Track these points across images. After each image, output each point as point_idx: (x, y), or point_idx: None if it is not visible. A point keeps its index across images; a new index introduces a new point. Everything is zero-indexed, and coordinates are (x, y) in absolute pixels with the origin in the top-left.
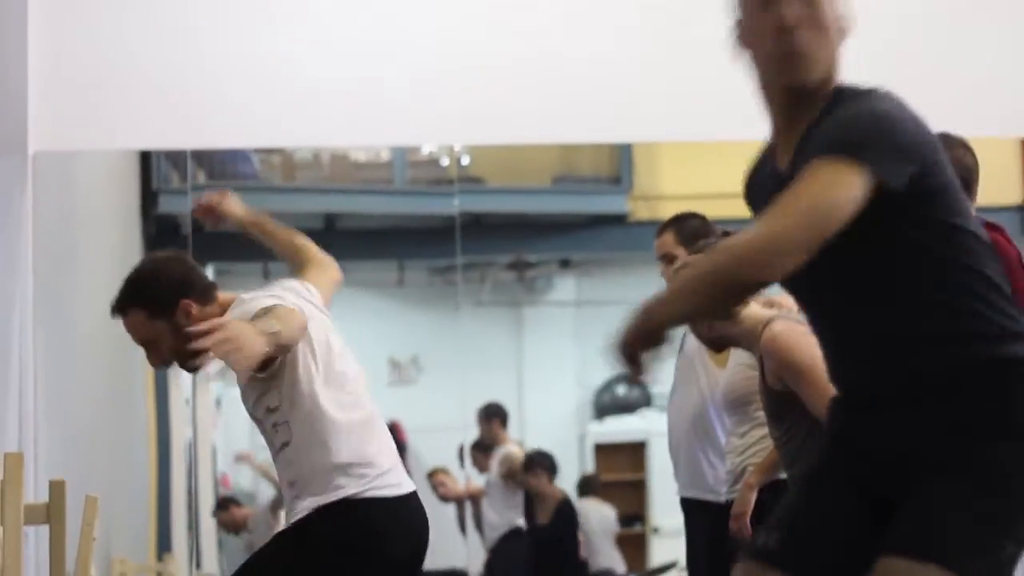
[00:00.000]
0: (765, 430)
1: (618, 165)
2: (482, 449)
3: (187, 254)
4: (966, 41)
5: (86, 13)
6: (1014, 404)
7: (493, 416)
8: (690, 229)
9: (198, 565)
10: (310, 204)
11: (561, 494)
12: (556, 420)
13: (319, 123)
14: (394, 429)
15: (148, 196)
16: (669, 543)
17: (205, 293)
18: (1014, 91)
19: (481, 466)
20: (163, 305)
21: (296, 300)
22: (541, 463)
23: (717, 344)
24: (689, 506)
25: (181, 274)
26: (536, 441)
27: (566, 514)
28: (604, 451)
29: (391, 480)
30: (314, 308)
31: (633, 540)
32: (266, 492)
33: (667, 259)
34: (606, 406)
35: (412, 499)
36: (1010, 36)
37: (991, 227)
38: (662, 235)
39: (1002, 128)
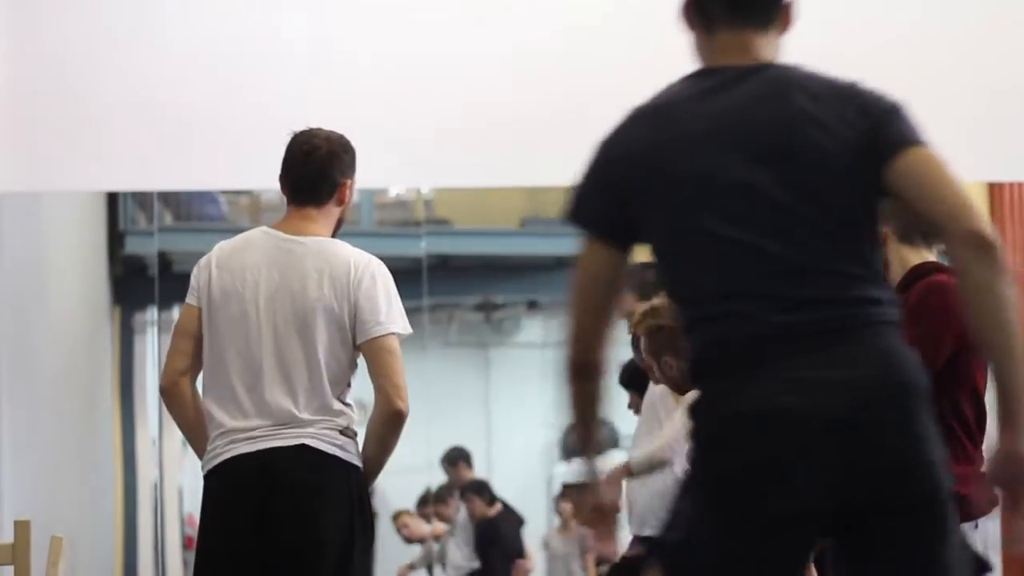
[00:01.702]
0: None
1: None
2: (443, 500)
3: None
4: (933, 86)
5: (52, 53)
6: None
7: (457, 459)
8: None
9: None
10: None
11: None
12: (523, 461)
13: None
14: None
15: (115, 237)
16: None
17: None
18: (981, 136)
19: (443, 516)
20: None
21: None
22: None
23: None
24: (647, 543)
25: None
26: (503, 482)
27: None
28: (571, 490)
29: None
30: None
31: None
32: None
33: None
34: (572, 447)
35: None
36: (977, 82)
37: (948, 270)
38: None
39: (970, 173)
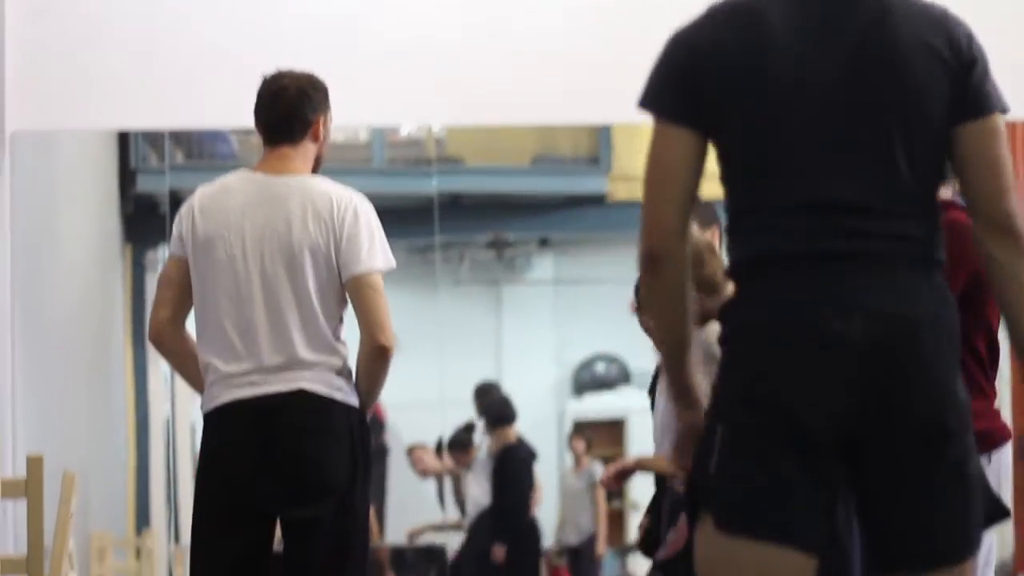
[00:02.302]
0: None
1: (597, 145)
2: (462, 447)
3: None
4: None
5: None
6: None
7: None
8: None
9: (177, 540)
10: None
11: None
12: (535, 398)
13: None
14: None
15: (126, 176)
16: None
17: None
18: (998, 74)
19: (461, 462)
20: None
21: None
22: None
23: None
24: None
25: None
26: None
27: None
28: (582, 428)
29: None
30: None
31: (612, 516)
32: None
33: None
34: (585, 383)
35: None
36: (988, 18)
37: (962, 208)
38: None
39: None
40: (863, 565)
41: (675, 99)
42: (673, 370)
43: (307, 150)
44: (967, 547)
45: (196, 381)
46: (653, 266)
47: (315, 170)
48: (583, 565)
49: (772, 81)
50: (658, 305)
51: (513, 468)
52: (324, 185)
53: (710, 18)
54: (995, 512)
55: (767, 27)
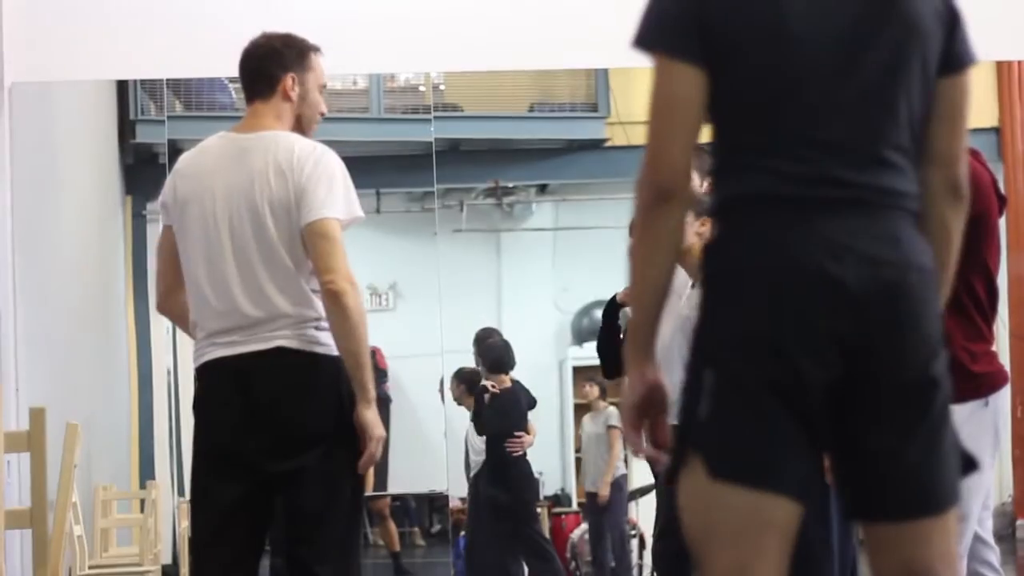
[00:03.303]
0: None
1: (595, 91)
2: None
3: None
4: None
5: None
6: None
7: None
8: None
9: (181, 492)
10: None
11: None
12: (535, 345)
13: None
14: (373, 355)
15: (125, 126)
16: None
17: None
18: (989, 14)
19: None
20: None
21: None
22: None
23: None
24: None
25: None
26: (516, 365)
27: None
28: (583, 373)
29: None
30: None
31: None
32: None
33: None
34: (584, 330)
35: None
36: None
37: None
38: None
39: (978, 50)
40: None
41: (680, 36)
42: (646, 323)
43: (279, 108)
44: (951, 496)
45: None
46: (660, 204)
47: (301, 130)
48: (610, 508)
49: (782, 24)
50: (653, 246)
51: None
52: (289, 139)
53: None
54: (966, 464)
55: None
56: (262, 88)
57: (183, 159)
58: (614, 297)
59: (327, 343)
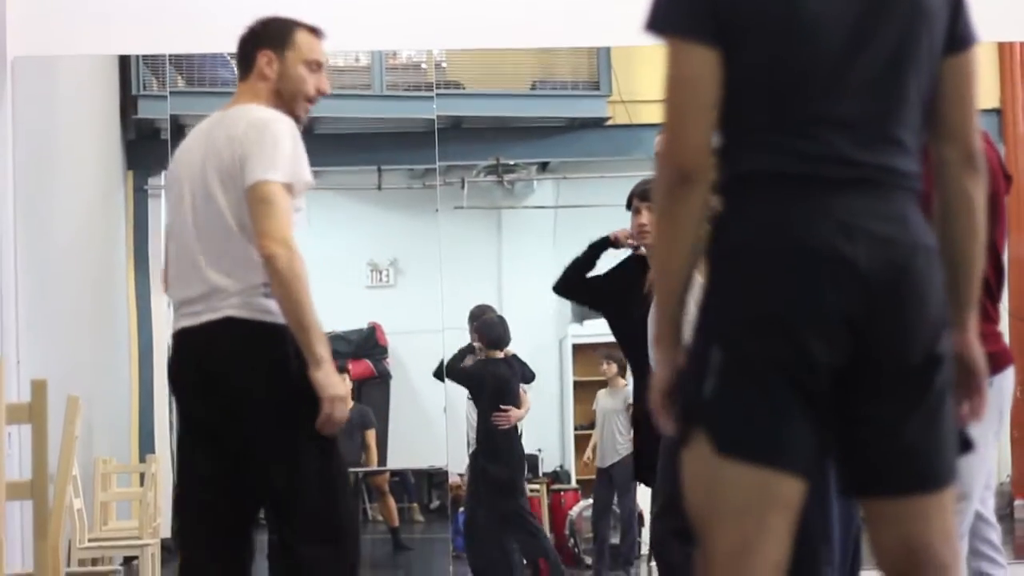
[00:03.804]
0: None
1: (596, 69)
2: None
3: None
4: None
5: None
6: None
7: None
8: None
9: None
10: None
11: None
12: (535, 322)
13: None
14: (374, 331)
15: (127, 101)
16: None
17: None
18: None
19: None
20: None
21: None
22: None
23: None
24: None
25: None
26: (516, 343)
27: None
28: (583, 351)
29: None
30: None
31: None
32: None
33: None
34: (584, 308)
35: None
36: None
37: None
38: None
39: (980, 32)
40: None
41: (693, 18)
42: (671, 307)
43: (255, 86)
44: (949, 473)
45: None
46: (683, 186)
47: (286, 107)
48: (622, 487)
49: (792, 4)
50: (676, 228)
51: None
52: (248, 111)
53: None
54: (963, 443)
55: None
56: (243, 68)
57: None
58: (607, 236)
59: (275, 311)
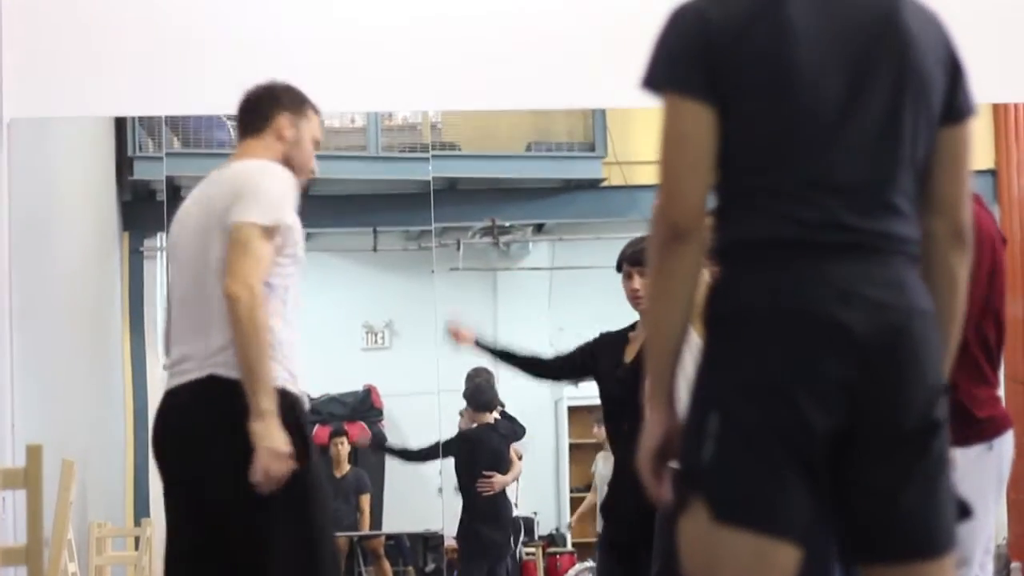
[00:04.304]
0: None
1: (592, 130)
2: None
3: None
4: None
5: None
6: None
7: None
8: None
9: None
10: None
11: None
12: (530, 385)
13: None
14: (369, 393)
15: (123, 162)
16: None
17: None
18: (986, 56)
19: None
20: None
21: None
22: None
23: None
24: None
25: None
26: (511, 406)
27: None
28: (578, 413)
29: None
30: None
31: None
32: None
33: None
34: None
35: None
36: (983, 2)
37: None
38: None
39: (975, 93)
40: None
41: (691, 73)
42: (665, 367)
43: (270, 144)
44: (949, 539)
45: None
46: (677, 244)
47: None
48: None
49: (787, 68)
50: (671, 288)
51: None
52: (253, 161)
53: None
54: (962, 510)
55: (786, 9)
56: (257, 124)
57: None
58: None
59: (228, 363)
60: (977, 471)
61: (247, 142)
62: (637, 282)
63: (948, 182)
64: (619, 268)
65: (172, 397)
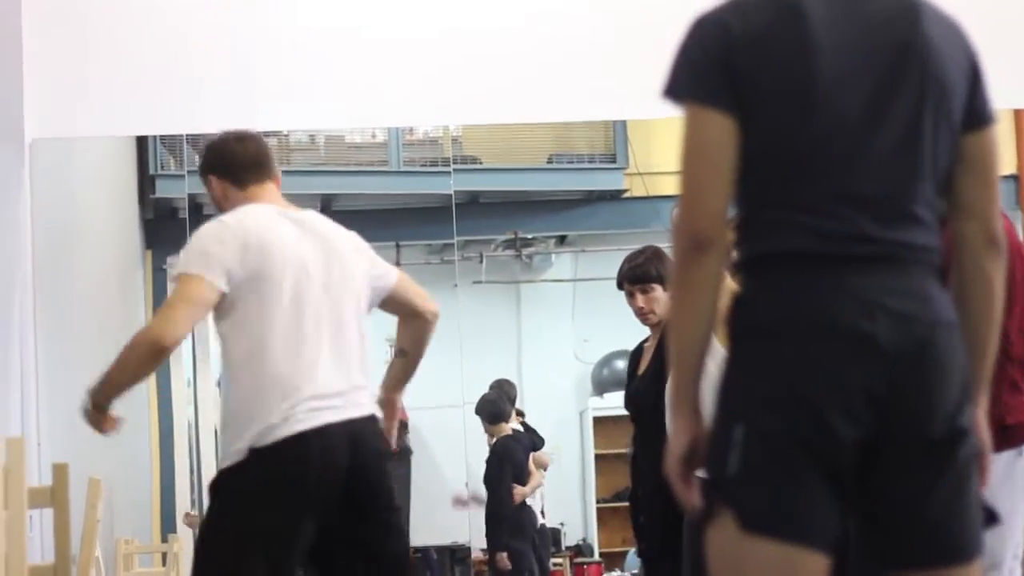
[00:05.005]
0: None
1: (613, 142)
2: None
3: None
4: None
5: (80, 1)
6: None
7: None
8: None
9: None
10: (306, 186)
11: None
12: (555, 396)
13: (314, 105)
14: None
15: (145, 181)
16: None
17: (236, 176)
18: (1007, 62)
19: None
20: (200, 174)
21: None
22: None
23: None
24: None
25: (217, 152)
26: (536, 418)
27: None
28: (604, 424)
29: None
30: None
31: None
32: None
33: None
34: (605, 381)
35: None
36: (1003, 7)
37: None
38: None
39: (996, 99)
40: (858, 564)
41: (712, 82)
42: (688, 375)
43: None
44: (976, 545)
45: None
46: (699, 253)
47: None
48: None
49: (810, 77)
50: (693, 297)
51: (492, 460)
52: (329, 222)
53: (739, 2)
54: (988, 517)
55: (807, 20)
56: (270, 171)
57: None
58: None
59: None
60: (1006, 477)
61: (271, 185)
62: (640, 300)
63: (977, 187)
64: (619, 287)
65: (356, 424)
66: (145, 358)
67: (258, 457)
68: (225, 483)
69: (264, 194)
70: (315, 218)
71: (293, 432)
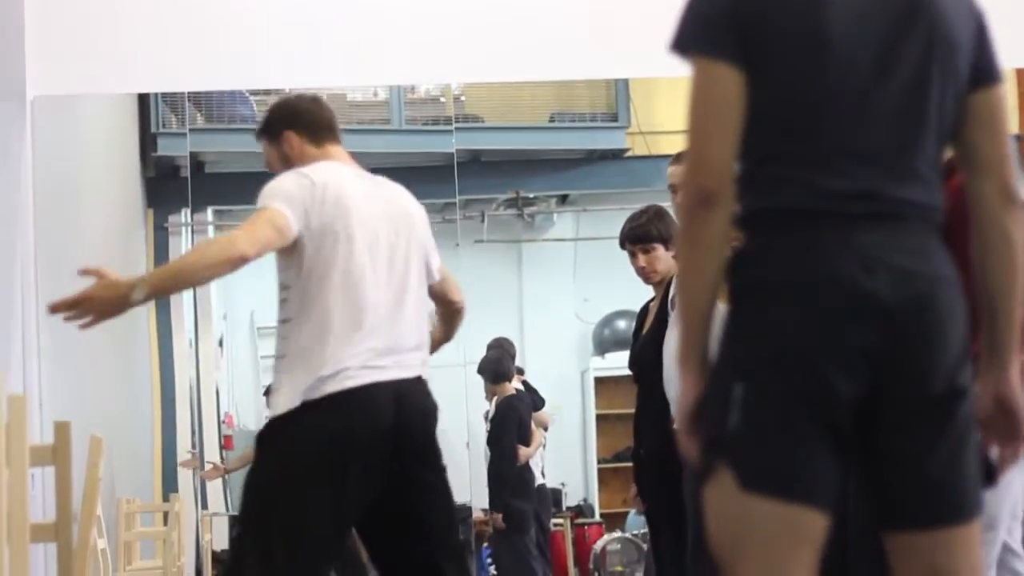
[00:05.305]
0: None
1: (615, 101)
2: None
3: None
4: None
5: None
6: None
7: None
8: None
9: (204, 505)
10: None
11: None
12: (557, 355)
13: (316, 63)
14: None
15: (147, 138)
16: None
17: (314, 134)
18: (1010, 22)
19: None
20: (270, 131)
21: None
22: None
23: None
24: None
25: (295, 110)
26: (537, 377)
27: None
28: (605, 384)
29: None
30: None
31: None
32: None
33: (675, 190)
34: (606, 341)
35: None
36: None
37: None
38: (675, 165)
39: (1000, 58)
40: (858, 521)
41: (720, 36)
42: (697, 332)
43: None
44: (975, 504)
45: None
46: (705, 209)
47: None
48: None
49: (818, 33)
50: (699, 251)
51: (496, 419)
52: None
53: None
54: (988, 473)
55: None
56: (337, 131)
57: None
58: None
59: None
60: None
61: (340, 148)
62: (642, 259)
63: (988, 143)
64: (621, 246)
65: (404, 384)
66: (223, 262)
67: (307, 410)
68: (274, 432)
69: (338, 154)
70: (389, 183)
71: (343, 388)
